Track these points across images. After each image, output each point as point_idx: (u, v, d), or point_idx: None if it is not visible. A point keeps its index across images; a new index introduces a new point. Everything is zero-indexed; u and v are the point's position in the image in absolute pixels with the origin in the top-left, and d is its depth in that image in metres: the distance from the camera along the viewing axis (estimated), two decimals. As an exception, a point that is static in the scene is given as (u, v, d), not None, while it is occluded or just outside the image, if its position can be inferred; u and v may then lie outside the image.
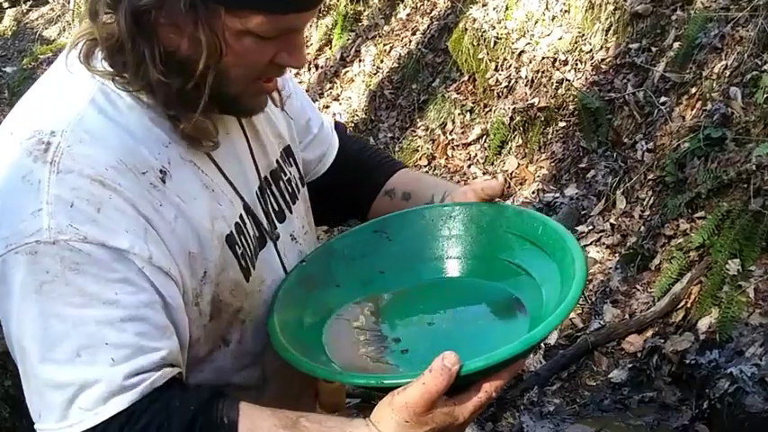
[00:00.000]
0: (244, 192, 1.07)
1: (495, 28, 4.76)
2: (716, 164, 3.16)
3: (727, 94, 3.30)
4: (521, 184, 4.29)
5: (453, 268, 1.20)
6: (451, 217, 1.20)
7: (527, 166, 4.32)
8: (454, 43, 5.03)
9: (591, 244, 3.54)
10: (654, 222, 3.34)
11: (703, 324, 2.81)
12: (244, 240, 1.05)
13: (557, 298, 1.00)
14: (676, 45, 3.76)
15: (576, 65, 4.27)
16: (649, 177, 3.54)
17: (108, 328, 0.86)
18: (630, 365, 2.96)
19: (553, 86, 4.31)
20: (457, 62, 5.03)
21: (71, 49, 0.98)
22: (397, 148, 5.17)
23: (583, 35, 4.31)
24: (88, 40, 0.96)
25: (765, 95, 3.09)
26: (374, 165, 1.38)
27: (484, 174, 4.52)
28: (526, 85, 4.49)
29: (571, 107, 4.19)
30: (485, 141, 4.62)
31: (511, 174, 4.36)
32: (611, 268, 3.39)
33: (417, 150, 4.98)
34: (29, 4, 9.99)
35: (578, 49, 4.30)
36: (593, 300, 3.32)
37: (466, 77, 4.95)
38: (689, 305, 2.95)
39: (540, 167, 4.24)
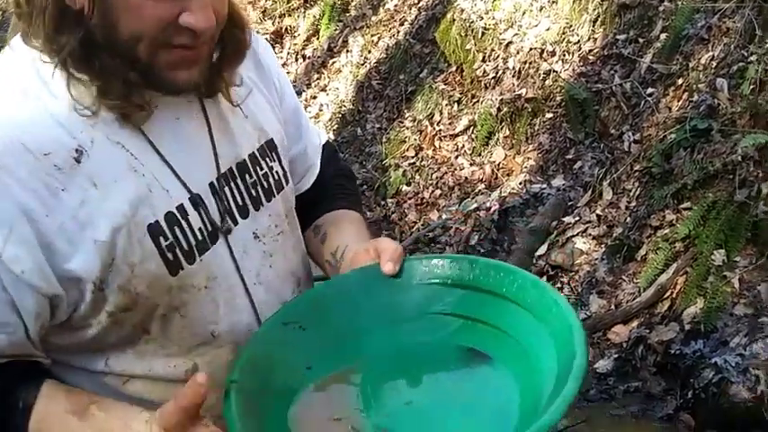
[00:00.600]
0: (192, 183, 1.01)
1: (482, 18, 4.75)
2: (702, 155, 3.17)
3: (714, 86, 3.31)
4: (508, 175, 4.29)
5: (390, 337, 1.06)
6: (358, 283, 1.08)
7: (514, 158, 4.32)
8: (442, 34, 5.02)
9: (577, 235, 3.55)
10: (640, 213, 3.34)
11: (688, 314, 2.82)
12: (179, 232, 0.99)
13: (529, 332, 0.95)
14: (663, 36, 3.76)
15: (564, 56, 4.27)
16: (636, 168, 3.55)
17: None
18: (616, 356, 2.97)
19: (540, 78, 4.31)
20: (444, 53, 5.02)
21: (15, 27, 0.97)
22: (384, 139, 5.16)
23: (570, 26, 4.31)
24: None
25: (752, 87, 3.10)
26: (325, 197, 1.31)
27: (471, 165, 4.52)
28: (513, 77, 4.48)
29: (558, 98, 4.19)
30: (472, 132, 4.61)
31: (498, 165, 4.36)
32: (597, 259, 3.40)
33: (404, 141, 4.97)
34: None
35: (566, 40, 4.29)
36: (580, 290, 3.33)
37: (453, 68, 4.94)
38: (674, 296, 2.96)
39: (528, 158, 4.24)
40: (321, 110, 5.93)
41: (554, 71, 4.26)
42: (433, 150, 4.78)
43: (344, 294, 1.09)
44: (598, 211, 3.58)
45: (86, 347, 0.99)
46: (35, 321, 0.92)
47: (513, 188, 4.13)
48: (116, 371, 1.01)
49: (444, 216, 4.31)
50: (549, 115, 4.23)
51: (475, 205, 4.18)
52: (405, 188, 4.74)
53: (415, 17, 5.49)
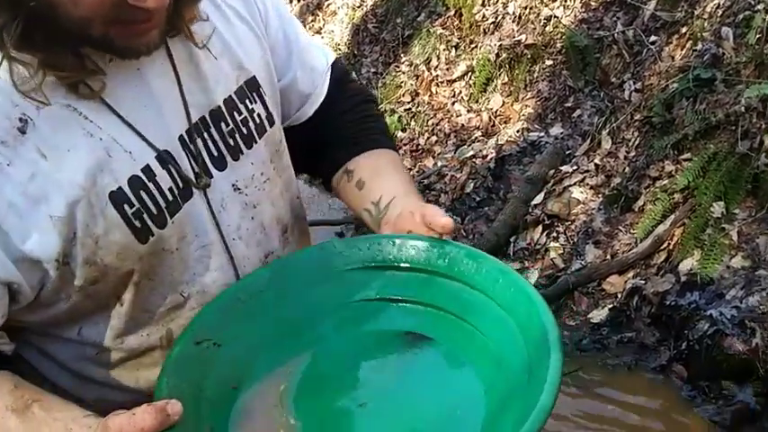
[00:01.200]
0: (157, 139, 0.93)
1: (483, -39, 4.64)
2: (704, 105, 3.12)
3: (719, 34, 3.24)
4: (505, 122, 4.23)
5: (316, 338, 0.99)
6: (270, 281, 1.01)
7: (512, 105, 4.26)
8: (441, -24, 4.91)
9: (575, 184, 3.51)
10: (639, 163, 3.31)
11: (685, 266, 2.81)
12: (146, 196, 0.92)
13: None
14: (668, -18, 3.68)
15: (565, 1, 4.18)
16: (636, 118, 3.50)
17: None
18: (610, 306, 2.97)
19: (541, 23, 4.22)
20: (443, -4, 4.91)
21: None
22: (380, 84, 5.07)
23: (573, -30, 4.21)
24: None
25: (757, 36, 3.04)
26: (347, 131, 1.22)
27: (468, 111, 4.45)
28: (513, 22, 4.39)
29: (559, 45, 4.11)
30: (470, 78, 4.53)
31: (495, 112, 4.30)
32: (594, 209, 3.37)
33: (401, 86, 4.90)
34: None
35: (568, -16, 4.20)
36: (576, 240, 3.31)
37: (452, 12, 4.83)
38: (671, 247, 2.94)
39: (526, 106, 4.18)
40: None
41: (555, 17, 4.17)
42: (430, 96, 4.70)
43: (256, 298, 0.99)
44: (596, 161, 3.55)
45: (59, 320, 0.94)
46: None
47: (510, 136, 4.08)
48: (89, 341, 0.97)
49: (440, 163, 4.26)
50: (548, 62, 4.15)
51: (471, 152, 4.13)
52: (400, 134, 4.68)
53: (414, -42, 5.36)
